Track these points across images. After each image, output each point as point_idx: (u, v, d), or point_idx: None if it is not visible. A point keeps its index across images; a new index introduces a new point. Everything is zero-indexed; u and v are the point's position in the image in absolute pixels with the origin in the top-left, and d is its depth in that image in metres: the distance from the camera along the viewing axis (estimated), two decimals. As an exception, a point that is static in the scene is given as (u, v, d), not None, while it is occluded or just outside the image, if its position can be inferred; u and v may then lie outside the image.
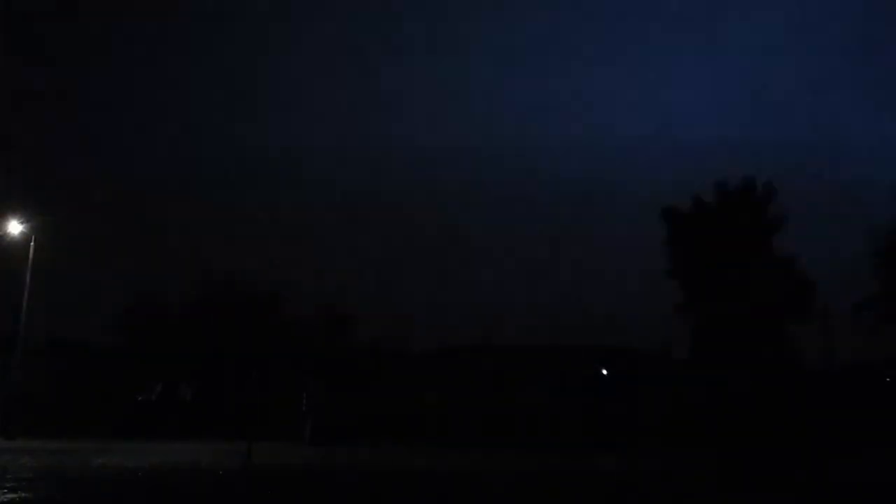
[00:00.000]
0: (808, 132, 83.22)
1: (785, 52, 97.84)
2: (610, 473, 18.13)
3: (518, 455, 24.55)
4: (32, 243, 30.47)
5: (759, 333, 36.12)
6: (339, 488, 13.96)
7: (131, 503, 11.68)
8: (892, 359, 37.92)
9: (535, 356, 40.39)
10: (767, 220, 37.52)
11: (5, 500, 10.87)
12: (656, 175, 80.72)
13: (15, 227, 30.28)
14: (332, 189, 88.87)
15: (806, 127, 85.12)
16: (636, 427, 34.09)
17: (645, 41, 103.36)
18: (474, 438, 32.58)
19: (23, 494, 11.41)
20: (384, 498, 12.82)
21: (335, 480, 15.30)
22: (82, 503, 11.38)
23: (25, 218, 30.52)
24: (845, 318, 38.09)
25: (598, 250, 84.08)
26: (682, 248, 38.01)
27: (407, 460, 21.01)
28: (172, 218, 78.09)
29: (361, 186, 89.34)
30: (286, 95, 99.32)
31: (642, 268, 78.78)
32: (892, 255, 34.97)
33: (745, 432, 32.40)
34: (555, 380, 38.86)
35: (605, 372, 40.16)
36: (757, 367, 35.14)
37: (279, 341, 39.48)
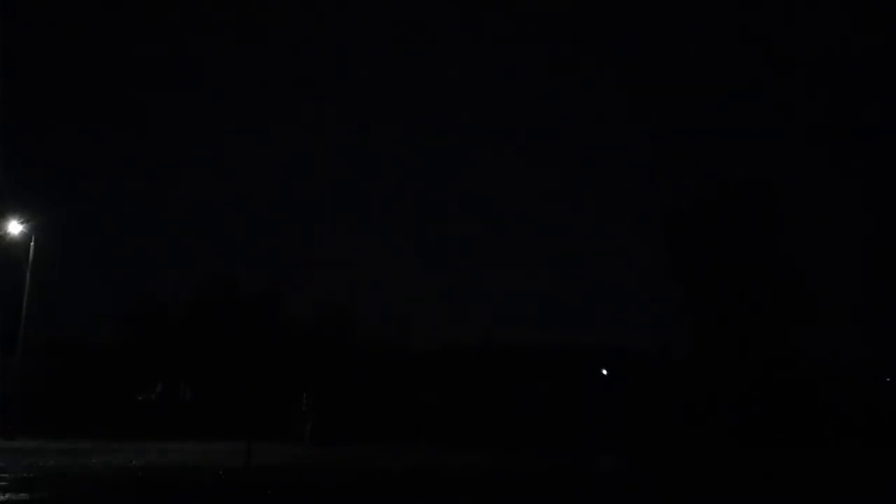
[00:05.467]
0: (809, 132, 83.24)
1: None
2: (609, 473, 18.14)
3: (517, 455, 24.55)
4: (32, 243, 30.45)
5: (758, 333, 36.11)
6: (339, 488, 13.96)
7: (131, 503, 11.68)
8: (892, 359, 37.92)
9: (535, 356, 40.35)
10: (767, 219, 37.51)
11: (5, 500, 10.87)
12: (657, 175, 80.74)
13: (15, 227, 30.25)
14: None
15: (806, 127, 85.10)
16: (636, 427, 34.09)
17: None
18: (474, 438, 32.56)
19: (23, 494, 11.41)
20: (383, 498, 12.83)
21: (334, 480, 15.30)
22: (82, 503, 11.38)
23: (25, 218, 30.48)
24: (845, 317, 38.09)
25: (598, 250, 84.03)
26: (682, 249, 37.99)
27: (406, 460, 21.00)
28: (173, 217, 78.13)
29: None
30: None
31: (642, 268, 78.83)
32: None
33: (745, 432, 32.41)
34: (554, 380, 38.84)
35: (604, 372, 40.14)
36: (757, 367, 35.13)
37: (279, 341, 39.44)
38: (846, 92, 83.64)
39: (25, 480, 13.41)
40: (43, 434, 28.80)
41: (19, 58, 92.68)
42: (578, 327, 76.72)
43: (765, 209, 37.64)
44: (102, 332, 44.70)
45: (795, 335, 36.65)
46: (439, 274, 78.62)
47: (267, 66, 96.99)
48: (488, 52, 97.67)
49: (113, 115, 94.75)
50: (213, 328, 39.70)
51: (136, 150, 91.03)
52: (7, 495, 11.23)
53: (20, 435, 27.15)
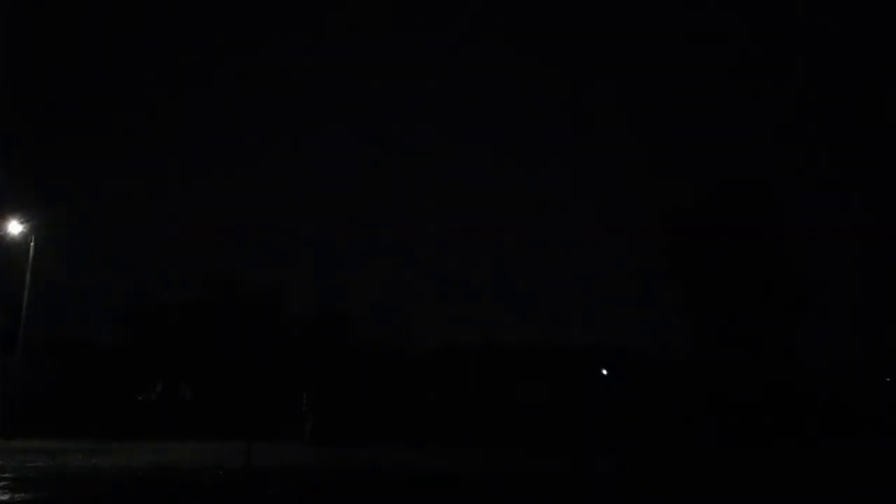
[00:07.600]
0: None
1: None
2: (610, 474, 18.13)
3: (517, 455, 24.54)
4: (32, 243, 30.46)
5: (758, 333, 36.11)
6: (338, 488, 13.97)
7: (131, 503, 11.68)
8: (892, 359, 37.92)
9: (535, 356, 40.32)
10: (767, 219, 37.49)
11: (5, 500, 10.87)
12: (656, 175, 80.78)
13: (15, 227, 30.26)
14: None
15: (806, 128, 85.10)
16: (635, 427, 34.06)
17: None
18: (474, 438, 32.55)
19: (23, 494, 11.42)
20: (383, 498, 12.83)
21: (334, 481, 15.31)
22: (82, 503, 11.38)
23: (25, 218, 30.48)
24: (845, 317, 38.09)
25: (598, 250, 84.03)
26: (682, 249, 37.98)
27: (406, 460, 21.01)
28: (173, 217, 78.15)
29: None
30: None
31: (642, 268, 78.75)
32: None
33: (745, 432, 32.41)
34: (554, 380, 38.82)
35: (604, 372, 40.13)
36: (757, 368, 35.13)
37: (279, 341, 39.43)
38: (846, 91, 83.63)
39: (25, 480, 13.42)
40: (43, 434, 28.81)
41: (18, 56, 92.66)
42: (578, 327, 76.72)
43: (765, 209, 37.63)
44: (102, 332, 44.79)
45: (795, 335, 36.65)
46: (439, 274, 78.61)
47: (264, 68, 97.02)
48: (487, 53, 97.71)
49: (113, 115, 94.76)
50: (213, 328, 39.70)
51: (136, 149, 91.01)
52: (7, 495, 11.23)
53: (20, 435, 27.17)
